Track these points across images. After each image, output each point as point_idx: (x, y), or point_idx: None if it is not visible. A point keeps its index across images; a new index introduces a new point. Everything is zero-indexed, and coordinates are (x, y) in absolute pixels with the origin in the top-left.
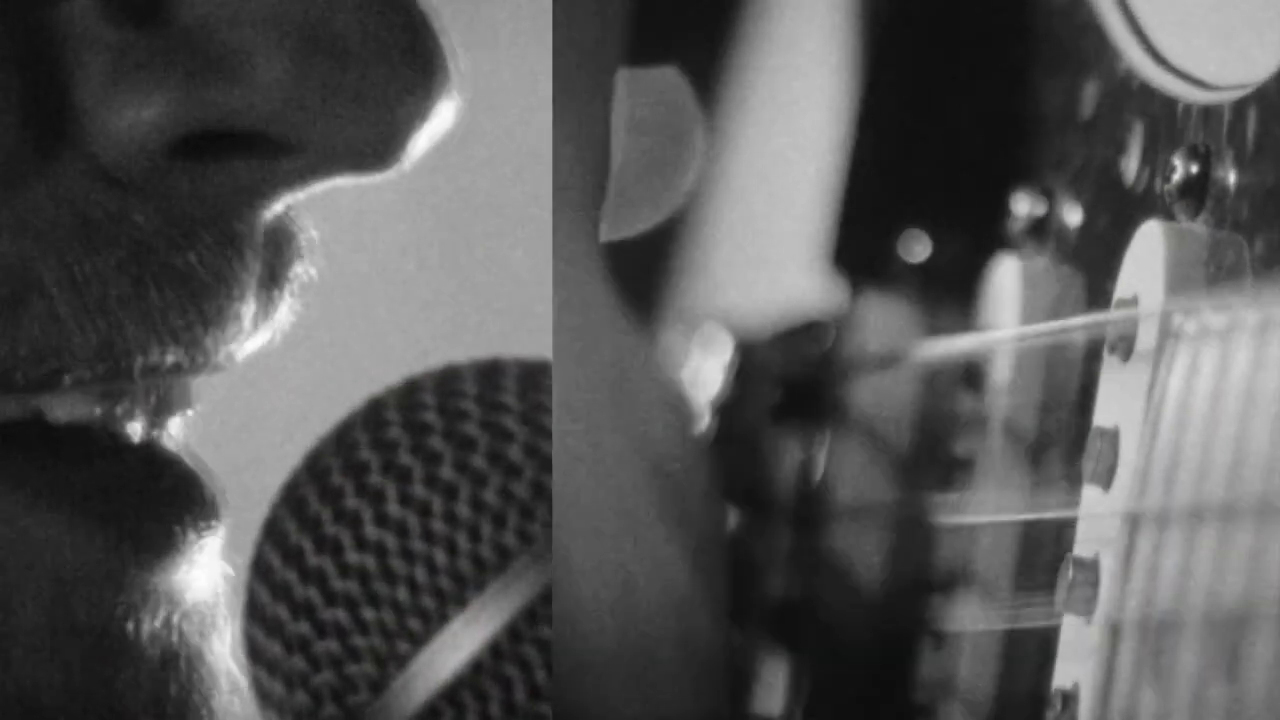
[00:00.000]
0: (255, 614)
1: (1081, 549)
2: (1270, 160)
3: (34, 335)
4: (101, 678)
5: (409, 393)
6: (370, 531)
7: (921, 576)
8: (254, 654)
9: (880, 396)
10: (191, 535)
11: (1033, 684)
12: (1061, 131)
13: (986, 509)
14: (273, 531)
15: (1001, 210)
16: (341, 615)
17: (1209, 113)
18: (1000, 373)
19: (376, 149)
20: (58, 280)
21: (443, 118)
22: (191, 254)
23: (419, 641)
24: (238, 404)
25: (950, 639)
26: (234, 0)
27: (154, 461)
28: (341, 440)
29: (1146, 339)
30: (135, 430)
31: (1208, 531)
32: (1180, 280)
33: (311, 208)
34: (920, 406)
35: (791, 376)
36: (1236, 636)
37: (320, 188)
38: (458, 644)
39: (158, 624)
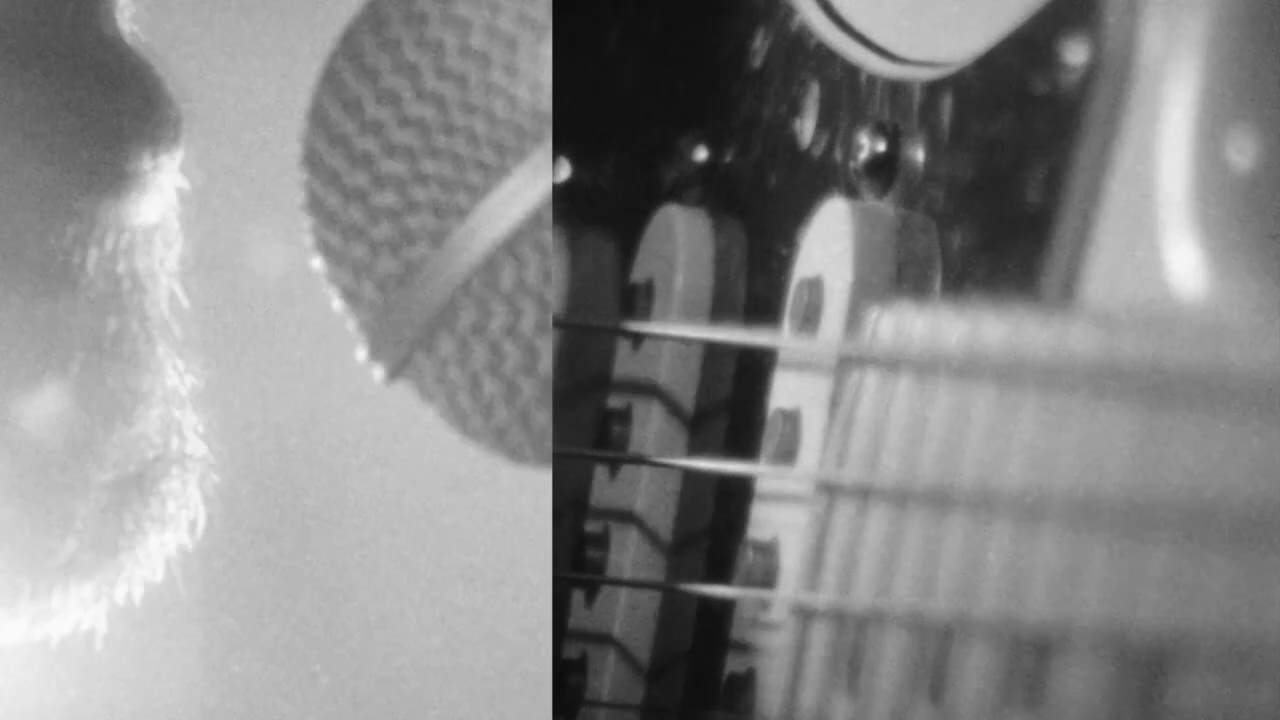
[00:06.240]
0: (313, 163)
1: (758, 531)
2: (968, 153)
3: None
4: (44, 309)
5: None
6: (430, 83)
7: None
8: (312, 204)
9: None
10: (147, 162)
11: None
12: (728, 79)
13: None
14: (331, 81)
15: (655, 149)
16: (400, 167)
17: (896, 89)
18: (658, 327)
19: None
20: None
21: None
22: None
23: (479, 194)
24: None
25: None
26: None
27: (117, 78)
28: None
29: (833, 322)
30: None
31: (912, 523)
32: (868, 262)
33: None
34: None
35: None
36: (943, 649)
37: None
38: (518, 197)
39: (105, 252)
